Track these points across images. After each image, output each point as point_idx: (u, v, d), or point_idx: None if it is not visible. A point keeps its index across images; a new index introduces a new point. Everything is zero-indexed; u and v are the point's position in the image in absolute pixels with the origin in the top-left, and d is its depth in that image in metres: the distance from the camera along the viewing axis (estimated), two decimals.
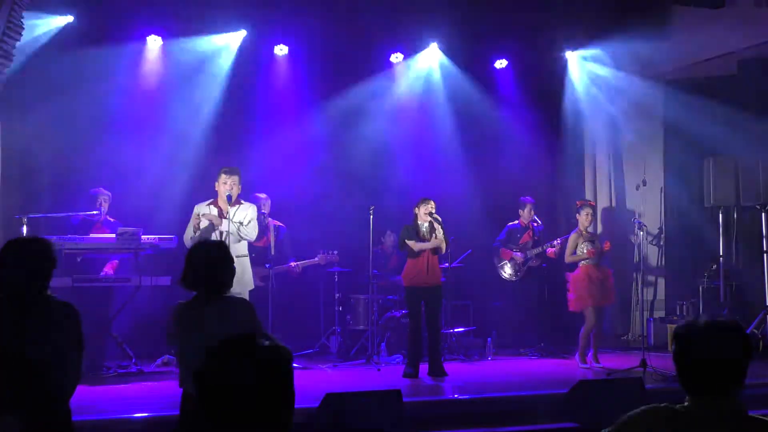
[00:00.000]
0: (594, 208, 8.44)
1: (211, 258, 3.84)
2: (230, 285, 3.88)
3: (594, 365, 7.90)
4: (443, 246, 7.65)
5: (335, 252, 8.48)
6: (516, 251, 9.14)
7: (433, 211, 7.62)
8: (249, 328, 3.78)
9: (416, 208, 7.69)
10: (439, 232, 7.58)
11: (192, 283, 3.83)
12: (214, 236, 6.96)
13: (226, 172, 7.17)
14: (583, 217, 8.20)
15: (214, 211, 7.16)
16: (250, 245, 7.29)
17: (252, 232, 7.11)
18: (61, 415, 3.45)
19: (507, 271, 9.22)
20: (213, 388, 1.83)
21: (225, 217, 7.04)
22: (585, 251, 8.09)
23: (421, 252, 7.54)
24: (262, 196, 8.24)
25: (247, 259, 7.10)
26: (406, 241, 7.59)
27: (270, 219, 8.26)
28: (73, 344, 3.44)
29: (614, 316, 10.13)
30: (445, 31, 9.39)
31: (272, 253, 7.99)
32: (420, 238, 7.59)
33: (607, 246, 8.19)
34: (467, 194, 10.17)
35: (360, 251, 8.55)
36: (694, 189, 10.15)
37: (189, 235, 7.10)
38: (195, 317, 3.79)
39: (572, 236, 8.26)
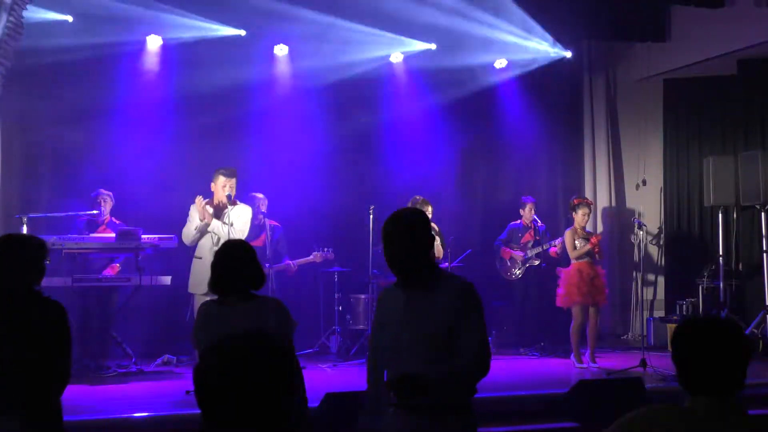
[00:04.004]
0: (591, 206, 8.39)
1: (225, 259, 3.71)
2: (249, 284, 3.72)
3: (591, 365, 7.86)
4: (440, 253, 7.64)
5: (330, 249, 8.52)
6: (516, 250, 9.13)
7: (431, 216, 7.57)
8: (275, 328, 3.66)
9: None
10: (437, 241, 7.53)
11: (213, 285, 3.71)
12: (209, 237, 7.00)
13: (225, 174, 7.13)
14: (579, 216, 8.07)
15: (211, 210, 7.17)
16: None
17: (240, 235, 6.86)
18: (47, 416, 3.32)
19: (507, 269, 9.22)
20: (210, 387, 1.82)
21: (219, 219, 7.04)
22: (585, 245, 7.98)
23: None
24: (260, 195, 8.23)
25: None
26: None
27: (266, 219, 8.25)
28: (60, 345, 3.33)
29: (614, 316, 10.13)
30: (445, 30, 9.38)
31: (268, 252, 7.98)
32: None
33: (594, 240, 8.02)
34: (467, 193, 10.18)
35: (360, 251, 8.55)
36: (694, 189, 10.17)
37: (189, 233, 7.12)
38: (220, 317, 3.65)
39: (567, 233, 8.12)
